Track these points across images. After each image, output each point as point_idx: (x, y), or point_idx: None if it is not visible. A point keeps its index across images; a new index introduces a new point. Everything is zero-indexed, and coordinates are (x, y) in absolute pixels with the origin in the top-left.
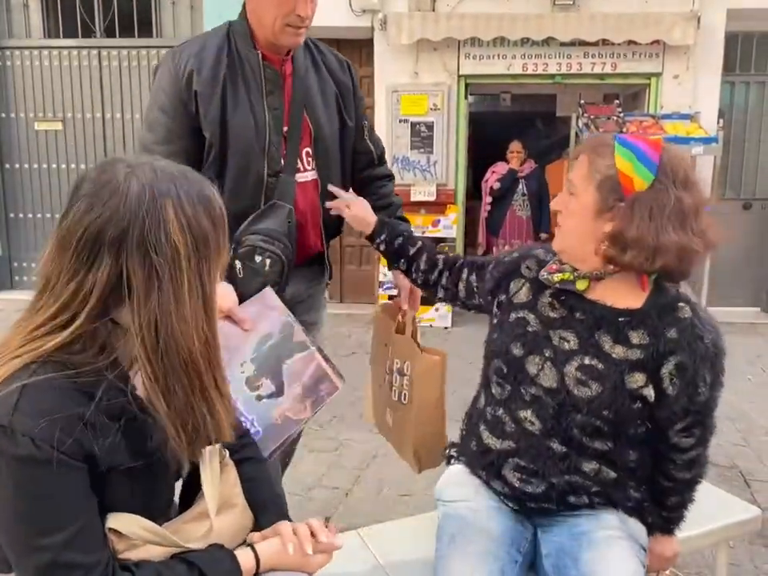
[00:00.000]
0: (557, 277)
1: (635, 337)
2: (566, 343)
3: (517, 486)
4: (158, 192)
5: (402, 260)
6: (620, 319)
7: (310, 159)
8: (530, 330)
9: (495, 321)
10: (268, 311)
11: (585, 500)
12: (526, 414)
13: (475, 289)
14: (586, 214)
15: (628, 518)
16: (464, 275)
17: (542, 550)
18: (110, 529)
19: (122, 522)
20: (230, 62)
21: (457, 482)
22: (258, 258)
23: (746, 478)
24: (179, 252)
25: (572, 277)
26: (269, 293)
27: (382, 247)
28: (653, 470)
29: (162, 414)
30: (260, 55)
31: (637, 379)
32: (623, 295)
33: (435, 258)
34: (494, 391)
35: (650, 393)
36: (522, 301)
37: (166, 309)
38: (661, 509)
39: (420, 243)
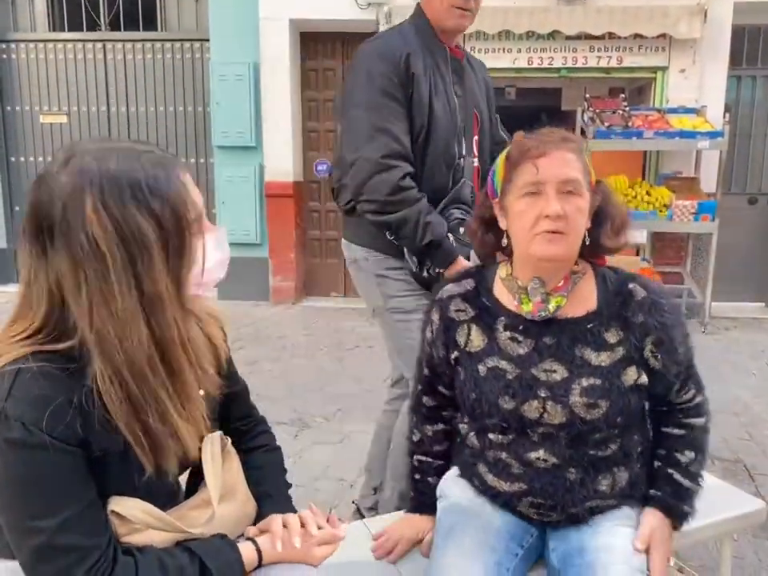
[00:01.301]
0: (552, 306)
1: (611, 336)
2: (554, 374)
3: (535, 518)
4: (80, 184)
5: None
6: (589, 326)
7: (476, 147)
8: (510, 377)
9: (462, 378)
10: None
11: (605, 513)
12: (538, 454)
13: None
14: (586, 211)
15: (640, 509)
16: (444, 391)
17: (550, 544)
18: (111, 512)
19: (123, 505)
20: (429, 52)
21: (462, 485)
22: (461, 230)
23: (751, 472)
24: (100, 248)
25: (562, 299)
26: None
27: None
28: (661, 435)
29: (117, 420)
30: (447, 48)
31: (631, 374)
32: (576, 302)
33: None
34: (492, 437)
35: (644, 379)
36: (481, 347)
37: (97, 307)
38: (675, 471)
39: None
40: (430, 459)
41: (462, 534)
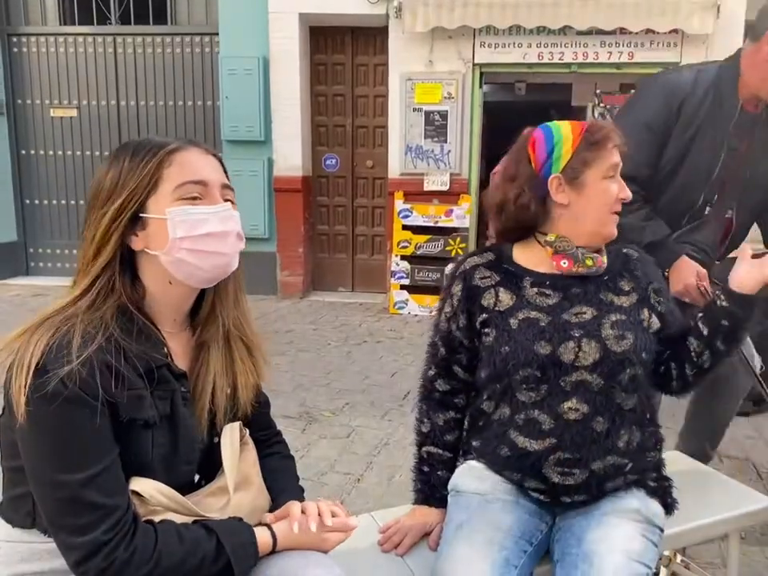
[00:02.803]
0: (589, 260)
1: (624, 285)
2: (585, 315)
3: (557, 481)
4: None
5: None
6: (605, 278)
7: (736, 202)
8: (543, 324)
9: (493, 336)
10: None
11: (620, 482)
12: (570, 403)
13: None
14: None
15: (649, 500)
16: (461, 369)
17: (555, 536)
18: (131, 491)
19: (143, 485)
20: (713, 99)
21: (474, 475)
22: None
23: (759, 470)
24: None
25: (591, 258)
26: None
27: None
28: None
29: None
30: (740, 104)
31: (645, 315)
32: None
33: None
34: (522, 399)
35: (654, 321)
36: (510, 305)
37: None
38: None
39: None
40: (440, 451)
41: (472, 529)
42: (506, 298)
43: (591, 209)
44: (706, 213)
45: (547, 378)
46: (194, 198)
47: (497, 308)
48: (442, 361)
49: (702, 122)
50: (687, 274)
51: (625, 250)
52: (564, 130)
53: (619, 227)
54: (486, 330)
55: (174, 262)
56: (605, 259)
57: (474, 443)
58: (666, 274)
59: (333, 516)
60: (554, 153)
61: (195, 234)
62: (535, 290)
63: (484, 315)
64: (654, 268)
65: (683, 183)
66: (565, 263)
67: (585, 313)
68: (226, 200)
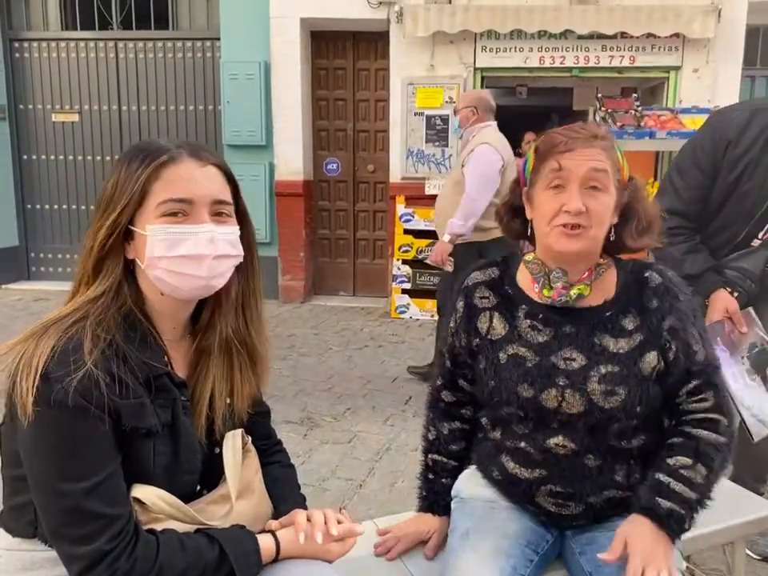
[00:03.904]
0: (574, 292)
1: (629, 323)
2: (573, 363)
3: (553, 510)
4: None
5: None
6: (607, 314)
7: None
8: (529, 365)
9: (483, 366)
10: (752, 326)
11: (622, 510)
12: (557, 440)
13: (471, 371)
14: (611, 206)
15: None
16: (464, 380)
17: (575, 548)
18: (133, 498)
19: (145, 492)
20: (765, 141)
21: (478, 482)
22: (728, 288)
23: (765, 476)
24: None
25: (585, 288)
26: (752, 312)
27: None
28: (664, 445)
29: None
30: None
31: (649, 361)
32: (597, 292)
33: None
34: (513, 428)
35: (663, 367)
36: (502, 335)
37: None
38: (659, 472)
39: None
40: (444, 459)
41: (478, 538)
42: (499, 327)
43: (537, 223)
44: (753, 243)
45: (531, 418)
46: (176, 215)
47: (489, 336)
48: (448, 373)
49: (750, 161)
50: (720, 306)
51: (647, 274)
52: (534, 144)
53: (662, 257)
54: (479, 356)
55: (155, 278)
56: (587, 289)
57: (472, 454)
58: (707, 302)
59: (338, 523)
60: (526, 164)
61: (172, 254)
62: (528, 322)
63: (477, 340)
64: (683, 298)
65: (725, 219)
66: (536, 288)
67: (574, 360)
68: (219, 213)
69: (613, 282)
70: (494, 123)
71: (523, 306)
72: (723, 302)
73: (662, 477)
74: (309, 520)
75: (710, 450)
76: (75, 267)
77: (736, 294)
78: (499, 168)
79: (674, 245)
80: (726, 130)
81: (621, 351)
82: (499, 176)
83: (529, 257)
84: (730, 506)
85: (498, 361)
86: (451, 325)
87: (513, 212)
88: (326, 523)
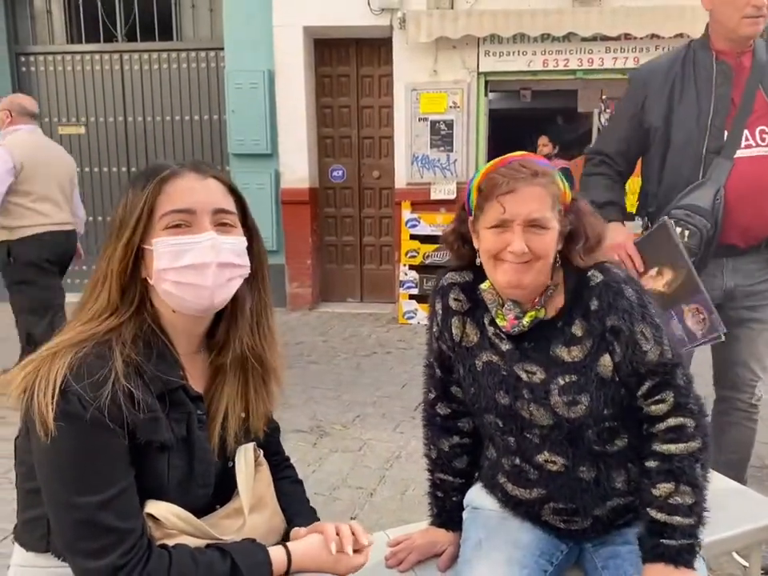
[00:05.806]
0: (526, 321)
1: (577, 329)
2: (534, 376)
3: (562, 527)
4: None
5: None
6: (558, 324)
7: (765, 136)
8: (504, 373)
9: (461, 372)
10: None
11: (632, 517)
12: (544, 456)
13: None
14: (555, 239)
15: None
16: (453, 387)
17: (597, 563)
18: (147, 514)
19: (158, 508)
20: (683, 66)
21: (488, 496)
22: (678, 229)
23: None
24: None
25: (539, 311)
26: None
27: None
28: (641, 471)
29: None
30: (714, 55)
31: (606, 364)
32: (549, 306)
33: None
34: (499, 440)
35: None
36: (475, 342)
37: None
38: (650, 508)
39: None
40: (450, 478)
41: (491, 548)
42: (471, 333)
43: (483, 257)
44: (714, 160)
45: (510, 428)
46: (179, 227)
47: (463, 343)
48: (439, 382)
49: (676, 84)
50: (615, 242)
51: (589, 273)
52: (476, 180)
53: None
54: (456, 364)
55: (163, 293)
56: (542, 312)
57: (478, 472)
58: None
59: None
60: (470, 197)
61: (177, 265)
62: (492, 329)
63: (449, 343)
64: (627, 293)
65: (681, 139)
66: (498, 321)
67: (534, 373)
68: (223, 223)
69: (560, 292)
70: (27, 127)
71: (487, 313)
72: (620, 237)
73: (655, 514)
74: (337, 533)
75: (685, 464)
76: (86, 288)
77: (687, 233)
78: (9, 168)
79: (594, 174)
80: (636, 84)
81: (576, 360)
82: (8, 176)
83: (485, 285)
84: (745, 511)
85: (475, 368)
86: (434, 329)
87: (461, 239)
88: (353, 533)
